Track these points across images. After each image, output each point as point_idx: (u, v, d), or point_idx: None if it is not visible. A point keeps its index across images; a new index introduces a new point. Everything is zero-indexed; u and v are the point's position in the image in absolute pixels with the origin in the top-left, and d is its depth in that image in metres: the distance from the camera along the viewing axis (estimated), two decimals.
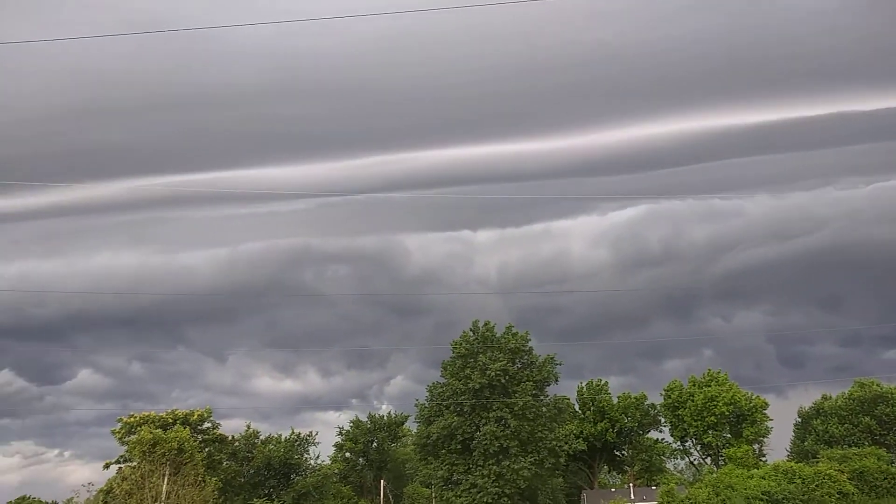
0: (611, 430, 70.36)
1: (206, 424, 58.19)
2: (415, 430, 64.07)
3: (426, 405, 58.53)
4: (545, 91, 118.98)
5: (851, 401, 65.17)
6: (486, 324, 59.01)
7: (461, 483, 53.97)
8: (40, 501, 77.60)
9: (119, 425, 56.33)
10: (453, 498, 53.26)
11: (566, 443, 56.98)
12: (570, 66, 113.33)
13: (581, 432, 65.22)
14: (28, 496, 77.89)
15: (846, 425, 63.59)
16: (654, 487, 64.06)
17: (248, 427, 57.54)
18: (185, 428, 51.79)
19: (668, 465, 78.59)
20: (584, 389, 73.83)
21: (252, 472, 55.25)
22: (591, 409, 72.28)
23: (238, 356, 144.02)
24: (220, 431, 58.53)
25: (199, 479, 46.45)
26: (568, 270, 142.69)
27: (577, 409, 71.90)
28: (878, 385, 65.40)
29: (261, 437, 56.58)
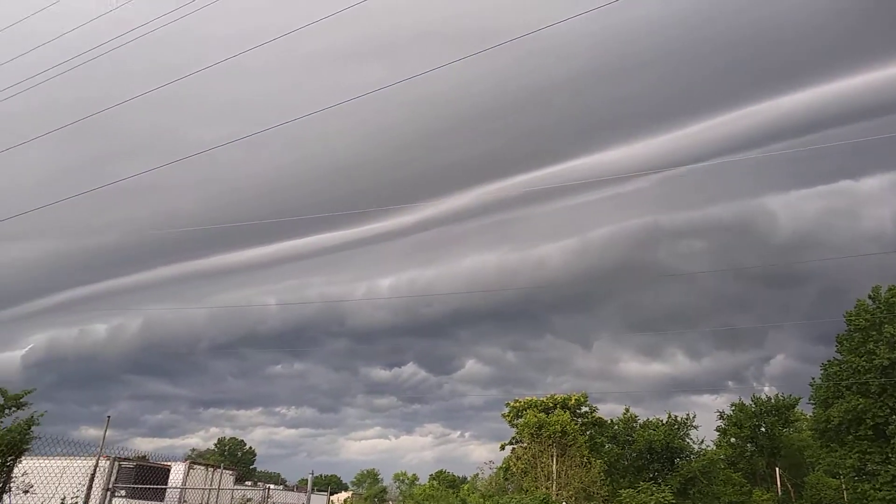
0: None
1: (584, 408, 60.38)
2: (810, 414, 57.17)
3: (821, 385, 51.71)
4: None
5: None
6: (890, 289, 49.65)
7: (879, 474, 46.23)
8: (453, 476, 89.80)
9: (507, 409, 61.94)
10: (871, 491, 45.88)
11: None
12: None
13: None
14: (443, 470, 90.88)
15: None
16: None
17: (627, 411, 57.95)
18: (564, 412, 54.39)
19: None
20: None
21: (634, 455, 55.39)
22: None
23: (602, 341, 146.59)
24: (599, 415, 60.26)
25: (585, 460, 48.22)
26: None
27: None
28: None
29: (639, 421, 56.40)
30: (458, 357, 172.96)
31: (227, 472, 42.64)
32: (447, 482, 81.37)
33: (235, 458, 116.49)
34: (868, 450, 47.27)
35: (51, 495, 20.76)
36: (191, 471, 36.20)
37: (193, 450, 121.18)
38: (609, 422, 59.00)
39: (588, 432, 57.64)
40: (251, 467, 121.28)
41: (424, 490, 62.00)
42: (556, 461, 47.68)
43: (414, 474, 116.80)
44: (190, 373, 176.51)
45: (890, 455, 45.56)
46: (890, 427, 45.62)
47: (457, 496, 41.22)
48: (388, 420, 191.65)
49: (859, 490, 47.19)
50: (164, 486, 29.35)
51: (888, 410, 46.22)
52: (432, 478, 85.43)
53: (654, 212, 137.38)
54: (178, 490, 31.48)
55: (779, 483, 57.78)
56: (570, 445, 49.10)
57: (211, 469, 40.18)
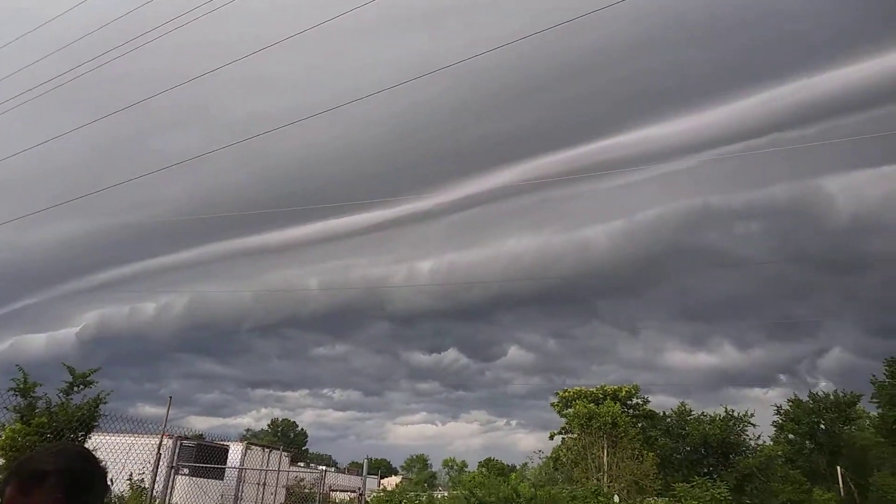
0: None
1: (636, 400, 59.65)
2: (872, 413, 55.14)
3: (885, 383, 49.81)
4: None
5: None
6: None
7: None
8: (502, 463, 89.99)
9: (556, 399, 61.71)
10: None
11: None
12: None
13: None
14: (492, 458, 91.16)
15: None
16: None
17: (682, 405, 57.03)
18: (615, 403, 53.82)
19: None
20: None
21: (688, 449, 54.42)
22: None
23: (649, 330, 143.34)
24: (649, 407, 59.45)
25: (637, 452, 47.60)
26: None
27: None
28: None
29: (693, 415, 55.37)
30: (500, 343, 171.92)
31: (284, 453, 43.71)
32: (496, 470, 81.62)
33: (288, 440, 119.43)
34: None
35: (119, 471, 21.65)
36: (248, 451, 37.21)
37: (248, 430, 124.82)
38: (661, 414, 58.11)
39: (639, 424, 56.91)
40: (304, 448, 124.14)
41: (474, 477, 62.23)
42: (607, 453, 47.21)
43: (463, 461, 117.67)
44: (236, 352, 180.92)
45: None
46: None
47: (507, 484, 41.21)
48: (433, 405, 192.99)
49: None
50: (224, 466, 30.28)
51: None
52: (481, 465, 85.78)
53: (705, 193, 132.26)
54: (237, 470, 32.44)
55: (841, 482, 55.87)
56: (622, 437, 48.54)
57: (267, 450, 41.26)
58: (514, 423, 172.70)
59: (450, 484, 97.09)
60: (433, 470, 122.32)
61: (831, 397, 58.93)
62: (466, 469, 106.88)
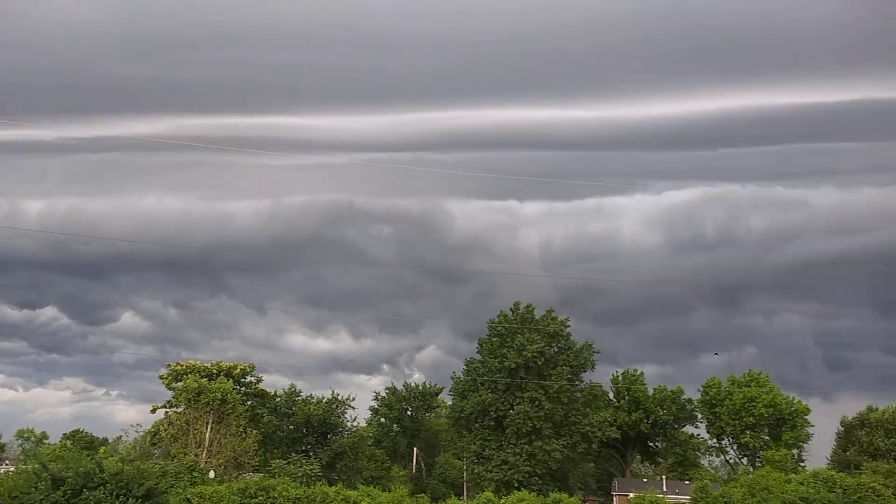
0: (645, 420, 69.93)
1: (250, 378, 60.16)
2: (449, 403, 64.95)
3: (461, 379, 59.25)
4: (608, 54, 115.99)
5: None
6: (527, 306, 59.03)
7: (492, 458, 54.63)
8: (92, 437, 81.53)
9: (166, 371, 58.77)
10: (484, 472, 53.97)
11: (599, 429, 57.07)
12: (633, 34, 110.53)
13: (615, 420, 65.00)
14: (81, 430, 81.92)
15: (893, 439, 61.78)
16: (687, 482, 63.58)
17: (292, 386, 59.23)
18: (228, 380, 53.60)
19: (702, 462, 77.78)
20: (619, 378, 73.37)
21: (291, 428, 56.87)
22: (626, 398, 71.90)
23: (275, 310, 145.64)
24: (261, 386, 60.53)
25: (241, 430, 48.11)
26: (617, 250, 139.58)
27: (611, 398, 71.64)
28: None
29: (302, 396, 58.06)
30: (113, 307, 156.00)
31: None
32: (84, 443, 73.86)
33: None
34: (488, 437, 55.70)
35: None
36: None
37: None
38: (272, 394, 59.73)
39: (249, 402, 57.63)
40: None
41: (54, 450, 55.46)
42: (211, 429, 46.74)
43: (43, 432, 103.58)
44: None
45: (503, 443, 54.22)
46: (507, 419, 54.25)
47: (92, 459, 37.84)
48: (14, 368, 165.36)
49: (476, 471, 55.22)
50: None
51: (508, 406, 54.90)
52: (66, 437, 76.65)
53: (351, 192, 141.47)
54: None
55: (414, 461, 64.55)
56: (229, 414, 48.59)
57: None
58: (114, 393, 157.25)
59: (22, 457, 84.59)
60: (2, 441, 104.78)
61: (420, 388, 67.83)
62: (47, 441, 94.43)
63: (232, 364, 59.79)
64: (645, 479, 66.82)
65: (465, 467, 59.95)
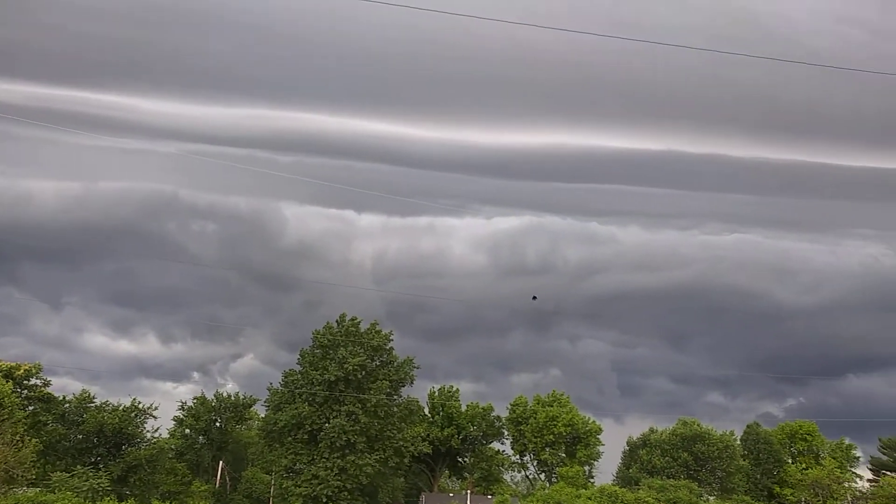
0: (456, 436, 72.38)
1: (35, 381, 53.86)
2: (263, 415, 62.63)
3: (279, 391, 57.51)
4: (457, 79, 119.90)
5: (674, 436, 70.87)
6: (352, 319, 58.90)
7: (303, 473, 53.46)
8: None
9: None
10: (293, 487, 52.58)
11: (412, 444, 58.06)
12: (481, 65, 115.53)
13: (428, 435, 66.54)
14: None
15: (667, 458, 69.11)
16: (489, 497, 66.47)
17: (84, 391, 53.83)
18: (7, 382, 47.66)
19: (505, 477, 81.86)
20: (436, 394, 75.45)
21: (80, 437, 51.56)
22: (441, 413, 74.03)
23: (74, 306, 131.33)
24: (48, 390, 54.39)
25: (18, 438, 42.85)
26: (445, 268, 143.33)
27: (426, 413, 73.36)
28: (698, 424, 71.62)
29: (95, 402, 52.98)
30: None
31: None
32: None
33: None
34: (300, 451, 54.40)
35: None
36: None
37: None
38: (61, 398, 53.91)
39: (31, 408, 51.59)
40: None
41: None
42: None
43: None
44: None
45: (316, 457, 53.23)
46: (322, 433, 53.42)
47: None
48: None
49: (283, 486, 53.62)
50: None
51: (324, 419, 54.14)
52: None
53: (176, 183, 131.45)
54: None
55: (219, 476, 61.25)
56: (4, 420, 43.13)
57: None
58: None
59: None
60: None
61: (232, 399, 64.74)
62: None
63: (14, 364, 53.16)
64: (451, 494, 68.99)
65: (273, 482, 58.03)
